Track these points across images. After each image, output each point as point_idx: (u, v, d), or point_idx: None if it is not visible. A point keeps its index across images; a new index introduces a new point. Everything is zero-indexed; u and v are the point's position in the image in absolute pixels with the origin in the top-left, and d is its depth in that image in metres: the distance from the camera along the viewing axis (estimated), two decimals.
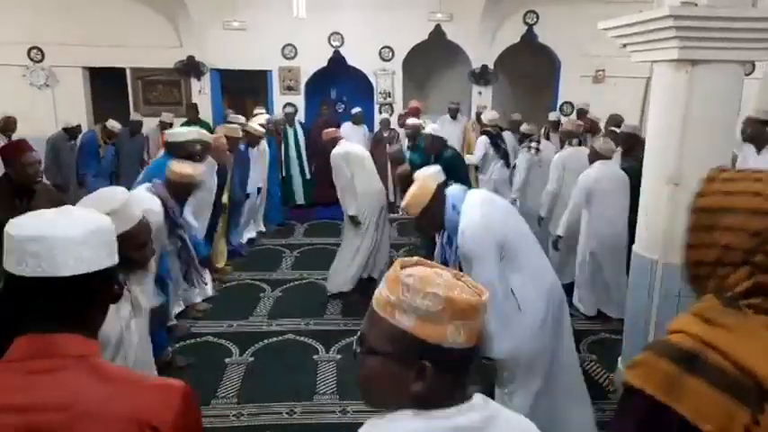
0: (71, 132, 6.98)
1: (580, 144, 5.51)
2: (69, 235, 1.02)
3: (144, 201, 3.09)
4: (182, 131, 4.26)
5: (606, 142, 4.76)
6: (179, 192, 3.40)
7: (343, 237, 5.26)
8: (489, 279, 2.48)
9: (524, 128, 6.56)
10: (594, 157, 4.65)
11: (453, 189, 2.76)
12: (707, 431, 0.89)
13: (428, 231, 2.88)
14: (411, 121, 6.45)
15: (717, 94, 3.02)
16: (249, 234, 6.83)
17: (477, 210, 2.60)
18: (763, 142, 4.08)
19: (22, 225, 1.04)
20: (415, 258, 1.04)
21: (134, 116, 7.92)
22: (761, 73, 7.98)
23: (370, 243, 5.01)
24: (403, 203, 2.79)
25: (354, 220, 4.92)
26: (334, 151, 4.94)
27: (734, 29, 2.84)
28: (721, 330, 0.95)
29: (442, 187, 2.74)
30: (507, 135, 6.92)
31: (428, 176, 2.88)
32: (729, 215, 1.01)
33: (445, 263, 2.71)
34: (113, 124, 7.12)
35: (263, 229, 7.21)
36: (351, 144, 5.22)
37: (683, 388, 0.92)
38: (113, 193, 1.90)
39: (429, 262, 1.03)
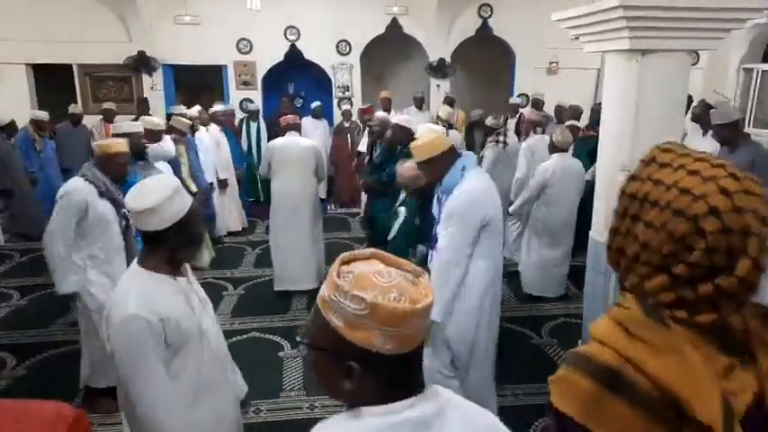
0: (7, 130, 6.64)
1: (543, 132, 5.72)
2: None
3: (64, 186, 3.13)
4: (128, 124, 4.12)
5: (563, 135, 4.91)
6: (111, 168, 3.25)
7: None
8: (461, 243, 2.66)
9: (489, 121, 6.39)
10: (552, 149, 4.85)
11: (469, 155, 2.87)
12: None
13: (418, 188, 3.04)
14: (379, 114, 6.21)
15: (666, 82, 3.13)
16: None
17: (482, 183, 2.75)
18: (707, 125, 4.28)
19: None
20: (370, 251, 0.99)
21: (72, 108, 7.61)
22: (704, 63, 8.32)
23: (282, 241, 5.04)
24: (414, 145, 2.81)
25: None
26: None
27: (681, 18, 2.95)
28: (642, 345, 0.85)
29: (453, 150, 2.80)
30: (453, 133, 6.97)
31: (443, 134, 2.93)
32: (653, 210, 0.87)
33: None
34: (39, 115, 6.94)
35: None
36: (286, 139, 5.04)
37: (604, 409, 0.84)
38: (162, 185, 1.79)
39: (387, 256, 0.98)
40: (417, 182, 3.23)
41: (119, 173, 3.29)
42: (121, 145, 3.32)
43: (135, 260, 1.82)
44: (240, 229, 7.07)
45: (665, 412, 0.81)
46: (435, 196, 2.93)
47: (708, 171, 0.85)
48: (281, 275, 5.07)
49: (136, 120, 5.94)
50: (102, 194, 3.15)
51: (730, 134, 4.02)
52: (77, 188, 3.10)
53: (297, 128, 5.11)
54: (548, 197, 4.80)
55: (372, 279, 0.90)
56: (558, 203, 4.80)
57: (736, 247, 0.81)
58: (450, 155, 2.74)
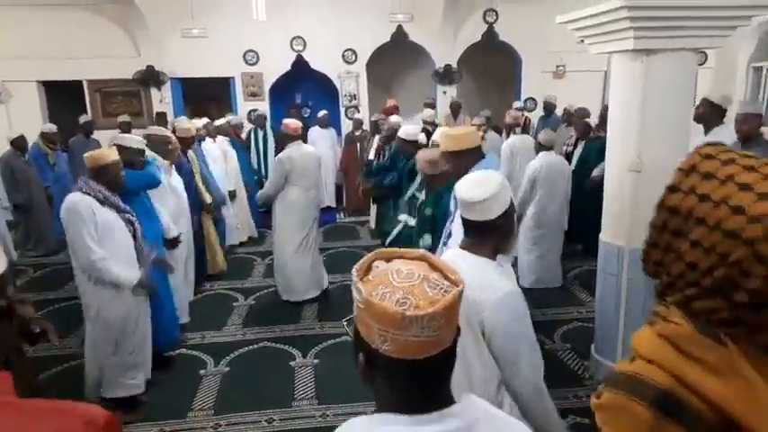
0: (18, 146, 6.64)
1: (522, 132, 6.26)
2: None
3: (65, 203, 3.11)
4: (127, 137, 4.02)
5: (547, 134, 5.39)
6: (106, 179, 3.24)
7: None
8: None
9: (474, 121, 6.96)
10: (539, 148, 5.29)
11: (490, 159, 2.81)
12: None
13: (437, 180, 2.94)
14: (392, 119, 6.28)
15: (672, 81, 3.11)
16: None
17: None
18: (712, 124, 4.21)
19: None
20: (420, 252, 0.94)
21: (83, 118, 7.69)
22: (713, 62, 8.27)
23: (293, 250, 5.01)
24: (450, 132, 2.79)
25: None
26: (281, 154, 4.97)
27: (686, 17, 2.93)
28: (696, 365, 0.78)
29: (479, 150, 2.79)
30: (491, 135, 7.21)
31: (476, 131, 2.89)
32: (700, 228, 0.79)
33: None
34: (48, 128, 6.97)
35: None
36: (299, 149, 4.92)
37: None
38: (491, 177, 1.85)
39: (435, 260, 0.92)
40: (432, 168, 3.23)
41: (114, 182, 3.28)
42: (112, 154, 3.30)
43: (462, 250, 1.82)
44: (246, 239, 7.06)
45: None
46: (453, 194, 2.90)
47: (761, 185, 0.76)
48: (289, 287, 5.07)
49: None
50: (103, 203, 3.16)
51: (755, 127, 3.90)
52: (80, 200, 3.10)
53: (302, 137, 5.17)
54: (538, 193, 5.15)
55: (388, 276, 0.86)
56: (547, 198, 5.17)
57: None
58: (476, 155, 2.73)
